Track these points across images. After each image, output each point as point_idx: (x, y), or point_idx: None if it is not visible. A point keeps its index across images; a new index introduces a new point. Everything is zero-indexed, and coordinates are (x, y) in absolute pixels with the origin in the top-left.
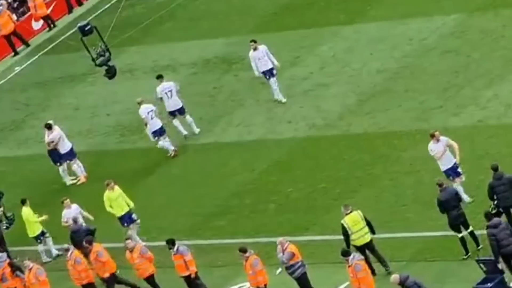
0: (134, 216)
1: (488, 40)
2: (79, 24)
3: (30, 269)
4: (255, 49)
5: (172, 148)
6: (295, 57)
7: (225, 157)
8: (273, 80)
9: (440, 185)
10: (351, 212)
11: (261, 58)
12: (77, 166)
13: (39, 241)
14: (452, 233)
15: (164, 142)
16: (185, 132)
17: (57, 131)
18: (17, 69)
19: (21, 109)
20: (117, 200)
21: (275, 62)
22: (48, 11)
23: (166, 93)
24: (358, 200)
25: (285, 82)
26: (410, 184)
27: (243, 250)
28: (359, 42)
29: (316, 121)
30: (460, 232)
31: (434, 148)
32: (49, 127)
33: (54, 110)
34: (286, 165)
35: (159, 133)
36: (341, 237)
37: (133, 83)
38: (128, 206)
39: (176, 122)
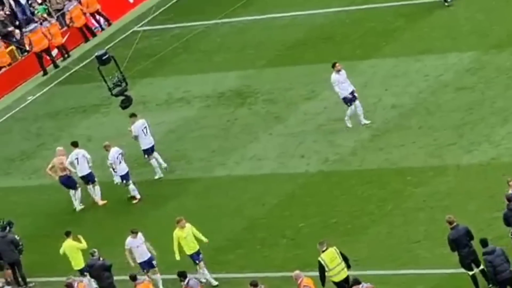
0: (201, 256)
1: (503, 78)
2: (96, 53)
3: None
4: (338, 71)
5: (138, 197)
6: (310, 91)
7: (237, 190)
8: (357, 103)
9: (450, 222)
10: (327, 249)
11: (344, 81)
12: (93, 189)
13: (85, 274)
14: (463, 270)
15: (133, 186)
16: (164, 165)
17: (82, 151)
18: (30, 98)
19: (33, 139)
20: (186, 239)
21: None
22: (63, 41)
23: (142, 130)
24: (369, 236)
25: (299, 116)
26: (422, 220)
27: (254, 285)
28: (374, 77)
29: (329, 156)
30: (471, 270)
31: None
32: (75, 144)
33: (66, 140)
34: (298, 200)
35: (127, 177)
36: (352, 272)
37: (146, 115)
38: (199, 243)
39: (154, 162)
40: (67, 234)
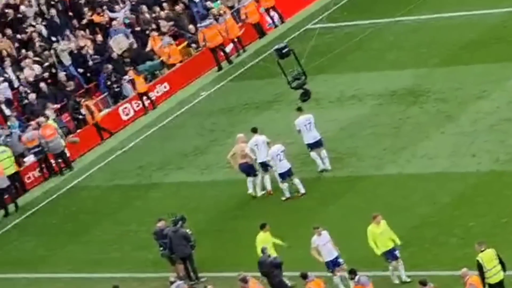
0: (397, 253)
1: None
2: (276, 46)
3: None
4: None
5: (288, 195)
6: (482, 90)
7: (408, 188)
8: None
9: None
10: (485, 249)
11: None
12: (268, 178)
13: None
14: None
15: (285, 185)
16: (322, 166)
17: (262, 137)
18: (203, 94)
19: (206, 134)
20: (381, 235)
21: None
22: (240, 33)
23: (305, 125)
24: None
25: (471, 116)
26: None
27: (423, 283)
28: None
29: (500, 156)
30: None
31: None
32: (255, 130)
33: None
34: (469, 198)
35: (287, 175)
36: (508, 272)
37: (318, 112)
38: (393, 242)
39: (313, 155)
40: (262, 226)
